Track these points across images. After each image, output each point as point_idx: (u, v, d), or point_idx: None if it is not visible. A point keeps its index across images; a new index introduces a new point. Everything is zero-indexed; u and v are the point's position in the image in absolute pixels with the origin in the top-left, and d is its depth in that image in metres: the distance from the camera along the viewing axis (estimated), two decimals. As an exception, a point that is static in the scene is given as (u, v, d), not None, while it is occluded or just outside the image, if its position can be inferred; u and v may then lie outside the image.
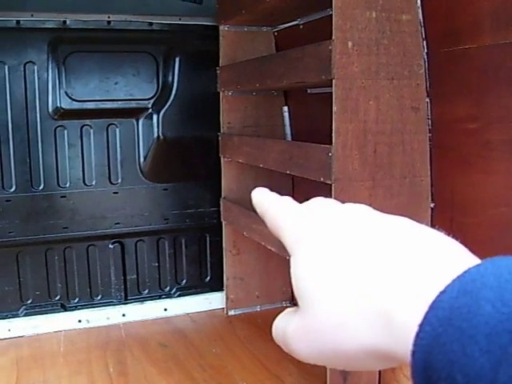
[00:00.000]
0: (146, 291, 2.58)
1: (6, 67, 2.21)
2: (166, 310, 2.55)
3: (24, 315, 2.38)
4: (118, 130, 2.41)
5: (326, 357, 0.33)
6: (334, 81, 1.48)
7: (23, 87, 2.24)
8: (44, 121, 2.30)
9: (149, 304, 2.55)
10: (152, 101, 2.40)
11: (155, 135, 2.43)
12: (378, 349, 0.30)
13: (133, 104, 2.38)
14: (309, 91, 2.27)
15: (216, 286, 2.63)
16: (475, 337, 0.25)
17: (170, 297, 2.60)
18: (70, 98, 2.29)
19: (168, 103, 2.40)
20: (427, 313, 0.27)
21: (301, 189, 2.46)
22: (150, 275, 2.58)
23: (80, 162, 2.39)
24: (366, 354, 0.31)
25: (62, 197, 2.38)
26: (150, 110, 2.41)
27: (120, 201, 2.46)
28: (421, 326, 0.27)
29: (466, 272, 0.28)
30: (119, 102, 2.36)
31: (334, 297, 0.32)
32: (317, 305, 0.33)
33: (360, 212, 0.36)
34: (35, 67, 2.25)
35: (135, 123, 2.43)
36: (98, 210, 2.44)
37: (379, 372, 1.61)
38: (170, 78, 2.40)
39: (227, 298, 2.56)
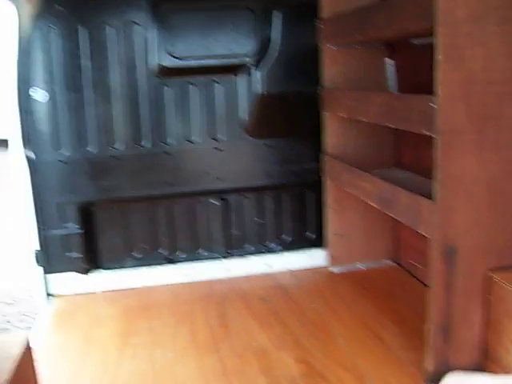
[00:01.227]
0: (250, 246, 2.71)
1: (110, 28, 2.35)
2: (268, 265, 2.65)
3: (132, 268, 2.59)
4: (219, 86, 2.49)
5: None
6: (437, 27, 1.43)
7: (127, 47, 2.38)
8: (148, 79, 2.42)
9: (251, 259, 2.67)
10: (252, 56, 2.44)
11: (256, 91, 2.47)
12: None
13: (233, 60, 2.44)
14: (415, 42, 2.20)
15: (318, 242, 2.69)
16: None
17: (273, 252, 2.71)
18: (172, 55, 2.39)
19: (268, 58, 2.42)
20: None
21: (404, 143, 2.42)
22: (253, 231, 2.69)
23: (184, 119, 2.51)
24: None
25: (166, 154, 2.52)
26: (251, 66, 2.45)
27: (223, 157, 2.56)
28: None
29: None
30: (220, 59, 2.42)
31: None
32: None
33: None
34: (139, 27, 2.37)
35: (236, 79, 2.49)
36: (201, 166, 2.56)
37: (481, 333, 1.60)
38: (270, 33, 2.41)
39: (329, 255, 2.62)
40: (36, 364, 1.26)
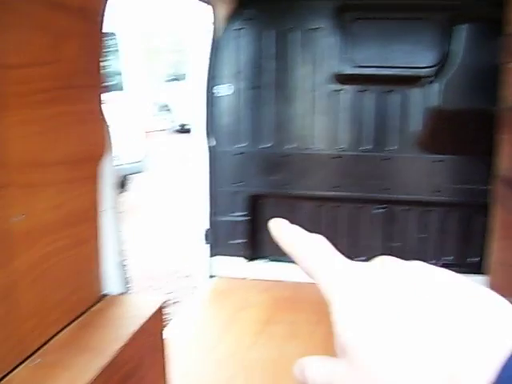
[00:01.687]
0: (410, 260, 3.00)
1: (295, 32, 2.78)
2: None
3: (291, 262, 3.05)
4: (395, 96, 2.77)
5: None
6: None
7: (308, 51, 2.78)
8: (326, 83, 2.80)
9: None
10: (431, 69, 2.66)
11: (431, 105, 2.70)
12: None
13: (411, 71, 2.69)
14: None
15: (480, 268, 2.84)
16: None
17: (433, 271, 2.97)
18: (351, 63, 2.76)
19: (448, 72, 2.63)
20: (499, 375, 0.32)
21: None
22: (414, 245, 2.99)
23: (356, 126, 2.84)
24: None
25: (335, 157, 2.93)
26: (428, 79, 2.67)
27: (391, 167, 2.89)
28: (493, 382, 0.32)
29: None
30: (398, 69, 2.69)
31: (390, 358, 0.36)
32: (371, 364, 0.37)
33: (416, 268, 0.41)
34: (322, 33, 2.78)
35: (413, 91, 2.74)
36: (368, 173, 2.87)
37: None
38: (453, 47, 2.61)
39: (490, 284, 2.76)
40: (165, 327, 1.76)
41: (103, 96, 1.65)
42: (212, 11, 2.77)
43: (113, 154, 1.73)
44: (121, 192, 7.57)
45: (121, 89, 7.02)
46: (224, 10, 2.77)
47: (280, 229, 0.48)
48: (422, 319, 0.36)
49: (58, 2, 1.31)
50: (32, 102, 1.23)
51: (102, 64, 1.64)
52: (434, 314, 0.36)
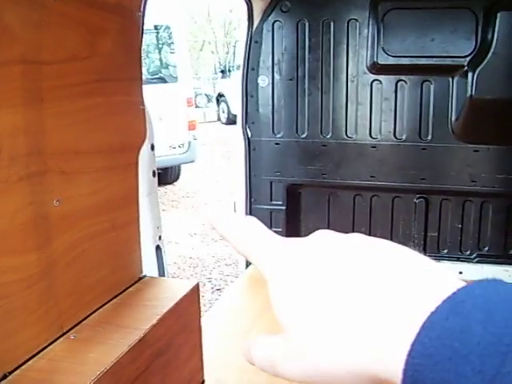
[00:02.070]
0: (445, 251, 3.02)
1: (331, 23, 2.82)
2: (461, 273, 2.95)
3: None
4: (431, 86, 2.77)
5: (312, 379, 0.39)
6: None
7: (344, 42, 2.82)
8: (361, 74, 2.83)
9: (445, 264, 2.97)
10: (468, 58, 2.65)
11: (469, 94, 2.69)
12: (364, 370, 0.36)
13: (448, 61, 2.69)
14: None
15: None
16: (468, 357, 0.30)
17: (469, 261, 2.97)
18: (387, 53, 2.76)
19: (485, 61, 2.63)
20: (419, 333, 0.32)
21: None
22: (452, 235, 2.98)
23: (392, 116, 2.85)
24: (352, 376, 0.37)
25: (372, 147, 2.96)
26: (466, 68, 2.67)
27: (428, 157, 2.89)
28: (413, 345, 0.32)
29: (454, 293, 0.33)
30: (434, 59, 2.69)
31: (319, 324, 0.38)
32: (302, 331, 0.39)
33: (348, 240, 0.42)
34: (357, 24, 2.82)
35: (450, 81, 2.73)
36: (405, 163, 2.88)
37: None
38: (490, 35, 2.60)
39: None
40: (199, 309, 1.83)
41: (153, 88, 1.73)
42: (249, 4, 2.83)
43: (153, 143, 1.81)
44: (172, 181, 7.71)
45: (175, 80, 7.16)
46: (260, 4, 2.83)
47: (214, 215, 0.49)
48: (346, 290, 0.37)
49: (94, 0, 1.39)
50: (68, 95, 1.32)
51: (141, 57, 1.72)
52: (357, 284, 0.37)
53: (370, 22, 2.76)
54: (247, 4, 2.82)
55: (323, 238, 0.43)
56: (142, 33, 1.71)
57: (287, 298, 0.41)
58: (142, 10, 1.66)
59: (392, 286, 0.36)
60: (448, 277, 0.36)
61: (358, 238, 0.42)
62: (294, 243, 0.44)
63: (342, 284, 0.38)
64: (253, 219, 0.48)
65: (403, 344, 0.33)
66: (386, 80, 2.83)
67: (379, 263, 0.38)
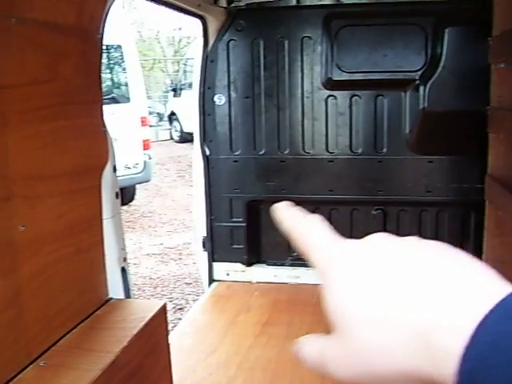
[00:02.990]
0: (404, 260, 3.07)
1: (285, 41, 2.84)
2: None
3: (289, 265, 3.14)
4: (385, 100, 2.82)
5: (363, 378, 0.39)
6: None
7: (298, 59, 2.84)
8: (316, 90, 2.86)
9: (404, 273, 3.04)
10: (420, 72, 2.72)
11: (421, 107, 2.74)
12: (417, 372, 0.36)
13: (400, 75, 2.74)
14: None
15: None
16: None
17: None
18: (341, 69, 2.80)
19: (435, 75, 2.67)
20: (473, 336, 0.32)
21: None
22: (410, 245, 3.04)
23: (348, 130, 2.89)
24: (405, 377, 0.37)
25: (329, 161, 2.99)
26: (418, 82, 2.73)
27: (384, 169, 2.93)
28: (467, 348, 0.32)
29: (507, 297, 0.33)
30: (387, 74, 2.75)
31: (373, 322, 0.37)
32: (356, 330, 0.38)
33: (404, 242, 0.42)
34: (311, 41, 2.85)
35: (403, 94, 2.80)
36: (362, 176, 2.92)
37: None
38: (439, 50, 2.66)
39: None
40: (167, 329, 1.82)
41: (107, 108, 1.72)
42: (204, 23, 2.84)
43: (115, 164, 1.80)
44: (128, 202, 7.64)
45: (128, 100, 7.11)
46: (215, 23, 2.84)
47: (281, 211, 0.49)
48: (403, 291, 0.37)
49: (52, 23, 1.38)
50: (31, 119, 1.30)
51: (101, 79, 1.71)
52: (413, 286, 0.37)
53: (324, 40, 2.80)
54: (202, 23, 2.83)
55: (381, 239, 0.43)
56: (101, 55, 1.70)
57: (345, 297, 0.40)
58: (101, 32, 1.65)
59: (446, 289, 0.36)
60: (499, 280, 0.36)
61: (413, 240, 0.42)
62: (354, 243, 0.44)
63: (399, 284, 0.38)
64: (317, 217, 0.48)
65: (457, 347, 0.33)
66: (341, 95, 2.88)
67: (433, 266, 0.38)
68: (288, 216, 0.48)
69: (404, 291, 0.37)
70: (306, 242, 0.46)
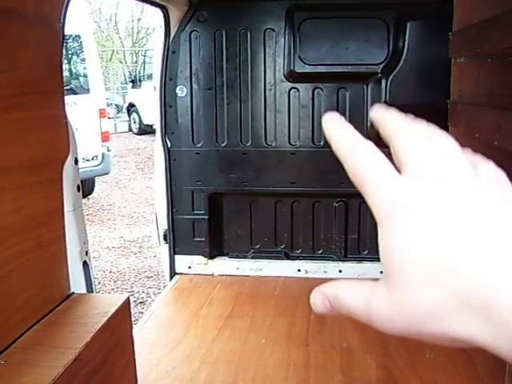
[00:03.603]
0: (366, 252, 3.10)
1: (248, 33, 2.82)
2: (381, 272, 3.02)
3: (251, 258, 3.14)
4: (347, 93, 2.84)
5: (411, 335, 0.36)
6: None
7: (261, 51, 2.83)
8: (279, 82, 2.85)
9: (366, 264, 3.05)
10: (381, 66, 2.74)
11: (383, 100, 2.76)
12: (471, 341, 0.34)
13: (362, 68, 2.76)
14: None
15: None
16: None
17: (388, 261, 3.06)
18: (303, 61, 2.80)
19: (397, 68, 2.70)
20: None
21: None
22: (371, 237, 3.06)
23: (310, 123, 2.89)
24: (455, 342, 0.35)
25: (291, 154, 2.99)
26: (380, 75, 2.75)
27: (346, 161, 2.96)
28: None
29: None
30: (349, 67, 2.76)
31: (431, 283, 0.34)
32: (411, 287, 0.35)
33: (483, 186, 0.36)
34: (274, 33, 2.84)
35: (364, 87, 2.82)
36: (324, 168, 2.91)
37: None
38: (401, 44, 2.69)
39: None
40: (130, 323, 1.79)
41: (67, 99, 1.67)
42: (166, 14, 2.80)
43: (77, 157, 1.75)
44: (87, 195, 7.52)
45: (87, 91, 6.98)
46: (177, 13, 2.80)
47: (334, 129, 0.42)
48: (466, 244, 0.33)
49: (11, 10, 1.33)
50: (-11, 110, 1.25)
51: (62, 69, 1.66)
52: (479, 236, 0.33)
53: (287, 32, 2.79)
54: (163, 14, 2.79)
55: (458, 181, 0.37)
56: (62, 44, 1.66)
57: (403, 250, 0.36)
58: (61, 21, 1.60)
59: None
60: None
61: (497, 191, 0.36)
62: (424, 184, 0.37)
63: (466, 239, 0.34)
64: (373, 146, 0.41)
65: None
66: (303, 88, 2.87)
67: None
68: (342, 137, 0.41)
69: (470, 255, 0.33)
70: (364, 174, 0.39)
